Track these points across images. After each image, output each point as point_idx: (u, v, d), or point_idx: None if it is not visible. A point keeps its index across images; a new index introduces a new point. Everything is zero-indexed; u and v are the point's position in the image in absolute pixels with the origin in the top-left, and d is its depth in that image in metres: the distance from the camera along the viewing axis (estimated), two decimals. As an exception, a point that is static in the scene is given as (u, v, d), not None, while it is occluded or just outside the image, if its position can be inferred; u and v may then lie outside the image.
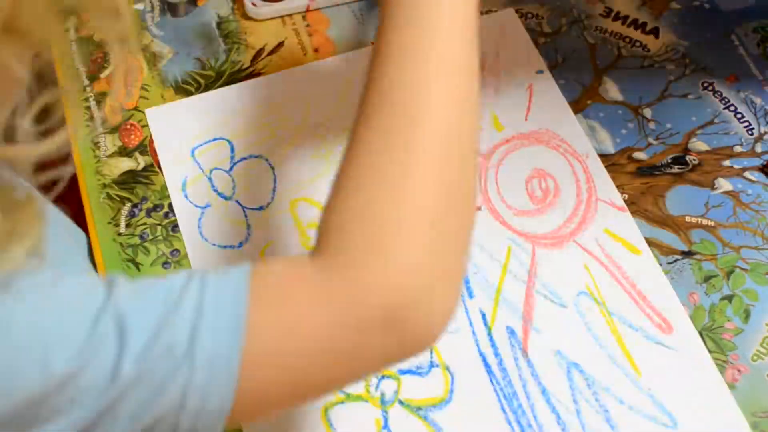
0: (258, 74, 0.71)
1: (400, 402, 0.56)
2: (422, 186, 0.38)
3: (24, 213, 0.37)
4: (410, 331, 0.37)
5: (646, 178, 0.65)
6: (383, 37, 0.42)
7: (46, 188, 0.39)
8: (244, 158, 0.66)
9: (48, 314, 0.35)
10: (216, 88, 0.70)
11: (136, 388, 0.35)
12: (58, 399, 0.35)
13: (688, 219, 0.63)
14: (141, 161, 0.67)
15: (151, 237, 0.63)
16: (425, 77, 0.40)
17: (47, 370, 0.34)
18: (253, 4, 0.74)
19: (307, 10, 0.75)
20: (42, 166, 0.38)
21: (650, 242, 0.62)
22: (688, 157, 0.66)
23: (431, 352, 0.58)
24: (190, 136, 0.68)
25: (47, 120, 0.37)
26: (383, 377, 0.57)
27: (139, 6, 0.75)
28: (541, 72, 0.70)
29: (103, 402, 0.35)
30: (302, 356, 0.37)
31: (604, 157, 0.66)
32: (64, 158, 0.38)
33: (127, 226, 0.64)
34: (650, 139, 0.67)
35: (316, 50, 0.72)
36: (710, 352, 0.57)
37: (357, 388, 0.56)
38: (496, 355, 0.57)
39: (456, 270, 0.39)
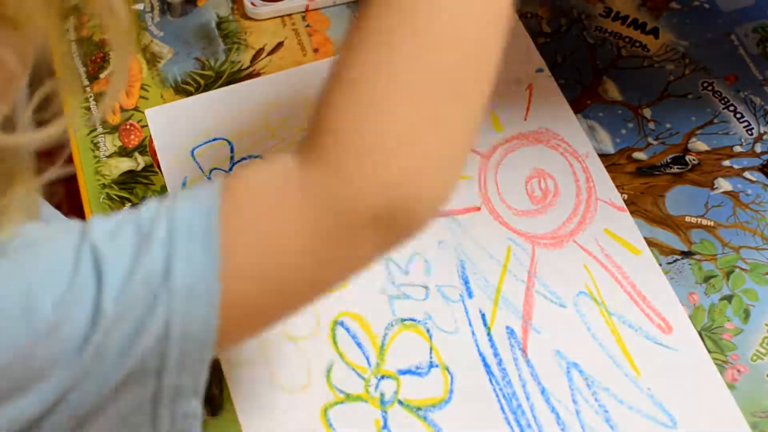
0: (258, 74, 0.71)
1: (400, 402, 0.56)
2: (413, 70, 0.35)
3: (16, 193, 0.37)
4: (401, 225, 0.36)
5: (646, 178, 0.65)
6: None
7: (46, 188, 0.39)
8: (244, 158, 0.66)
9: (29, 264, 0.35)
10: (216, 89, 0.70)
11: (119, 325, 0.35)
12: (46, 350, 0.34)
13: (687, 219, 0.63)
14: (141, 161, 0.67)
15: (150, 237, 0.63)
16: None
17: (33, 320, 0.34)
18: (253, 4, 0.74)
19: (307, 10, 0.75)
20: (42, 166, 0.38)
21: (650, 242, 0.62)
22: (687, 157, 0.66)
23: (431, 353, 0.58)
24: (190, 137, 0.68)
25: (46, 112, 0.37)
26: (382, 378, 0.57)
27: (139, 6, 0.75)
28: (541, 71, 0.70)
29: (88, 349, 0.34)
30: (287, 269, 0.36)
31: (603, 157, 0.66)
32: (63, 149, 0.38)
33: (127, 226, 0.64)
34: (650, 139, 0.67)
35: (315, 50, 0.72)
36: (710, 352, 0.57)
37: (356, 389, 0.56)
38: (496, 355, 0.57)
39: (453, 157, 0.37)
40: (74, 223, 0.37)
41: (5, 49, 0.34)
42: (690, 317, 0.59)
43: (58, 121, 0.36)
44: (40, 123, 0.37)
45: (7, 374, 0.35)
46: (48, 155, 0.39)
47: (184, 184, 0.65)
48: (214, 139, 0.67)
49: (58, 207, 0.52)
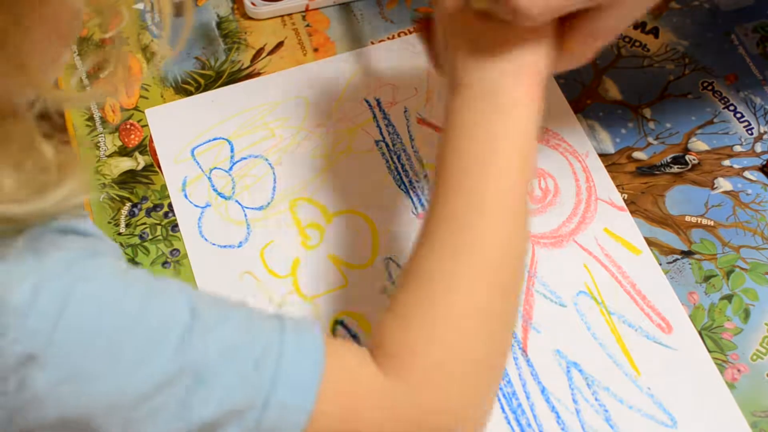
0: (258, 74, 0.71)
1: (400, 401, 0.56)
2: (472, 324, 0.42)
3: (69, 152, 0.38)
4: None
5: (646, 178, 0.65)
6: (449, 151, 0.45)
7: None
8: (244, 158, 0.66)
9: (132, 329, 0.36)
10: (216, 88, 0.70)
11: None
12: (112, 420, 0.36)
13: (687, 218, 0.63)
14: (141, 161, 0.67)
15: (150, 237, 0.63)
16: (480, 214, 0.43)
17: (115, 387, 0.36)
18: (253, 4, 0.74)
19: (307, 10, 0.75)
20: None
21: (650, 242, 0.62)
22: (687, 157, 0.66)
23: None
24: (189, 136, 0.68)
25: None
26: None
27: (139, 6, 0.75)
28: (540, 72, 0.70)
29: None
30: None
31: (603, 156, 0.66)
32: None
33: (127, 225, 0.64)
34: (650, 139, 0.67)
35: (316, 50, 0.72)
36: (710, 351, 0.57)
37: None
38: (496, 354, 0.57)
39: (492, 397, 0.45)
40: (181, 298, 0.39)
41: None
42: (690, 317, 0.59)
43: (102, 86, 0.39)
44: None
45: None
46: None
47: (183, 184, 0.65)
48: (214, 139, 0.67)
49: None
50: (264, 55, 0.72)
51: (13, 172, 0.35)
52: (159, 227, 0.64)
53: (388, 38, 0.73)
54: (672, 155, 0.66)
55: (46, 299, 0.34)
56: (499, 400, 0.56)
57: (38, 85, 0.36)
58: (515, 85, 0.43)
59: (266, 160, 0.66)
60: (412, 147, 0.66)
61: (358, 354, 0.42)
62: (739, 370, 0.57)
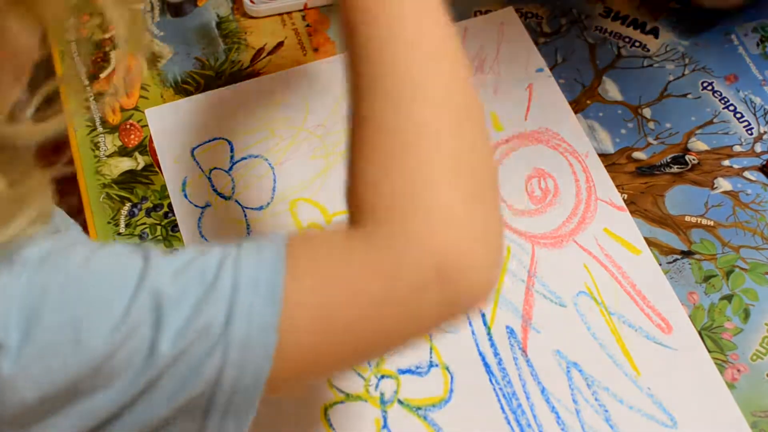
0: (258, 74, 0.71)
1: (400, 402, 0.56)
2: (437, 144, 0.38)
3: (30, 183, 0.38)
4: (464, 284, 0.37)
5: (646, 178, 0.65)
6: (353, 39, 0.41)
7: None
8: (244, 158, 0.66)
9: (82, 290, 0.35)
10: (216, 88, 0.70)
11: (173, 368, 0.35)
12: (94, 379, 0.35)
13: (687, 219, 0.63)
14: (141, 161, 0.67)
15: (150, 237, 0.63)
16: (408, 60, 0.40)
17: (82, 352, 0.35)
18: (252, 2, 0.74)
19: (305, 8, 0.75)
20: (49, 161, 0.39)
21: (650, 242, 0.62)
22: (687, 157, 0.66)
23: (431, 352, 0.58)
24: (189, 136, 0.68)
25: (46, 112, 0.37)
26: (383, 377, 0.57)
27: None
28: (541, 71, 0.70)
29: (140, 382, 0.35)
30: (347, 329, 0.37)
31: (603, 156, 0.66)
32: (65, 147, 0.38)
33: (127, 225, 0.64)
34: (650, 139, 0.67)
35: (315, 50, 0.72)
36: (710, 351, 0.57)
37: (356, 388, 0.56)
38: (496, 354, 0.58)
39: (494, 221, 0.39)
40: (133, 252, 0.38)
41: (21, 27, 0.34)
42: (690, 317, 0.59)
43: (58, 118, 0.37)
44: (39, 121, 0.37)
45: (57, 399, 0.35)
46: (53, 152, 0.39)
47: (183, 184, 0.65)
48: (214, 139, 0.67)
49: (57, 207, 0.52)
50: (264, 55, 0.72)
51: None
52: (159, 227, 0.64)
53: (388, 38, 0.73)
54: (672, 155, 0.66)
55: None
56: (499, 400, 0.56)
57: None
58: None
59: (266, 160, 0.66)
60: (412, 147, 0.66)
61: (330, 235, 0.39)
62: (738, 370, 0.57)
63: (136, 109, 0.70)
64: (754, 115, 0.68)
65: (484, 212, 0.39)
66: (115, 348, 0.35)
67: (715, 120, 0.67)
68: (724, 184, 0.64)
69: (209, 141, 0.67)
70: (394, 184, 0.38)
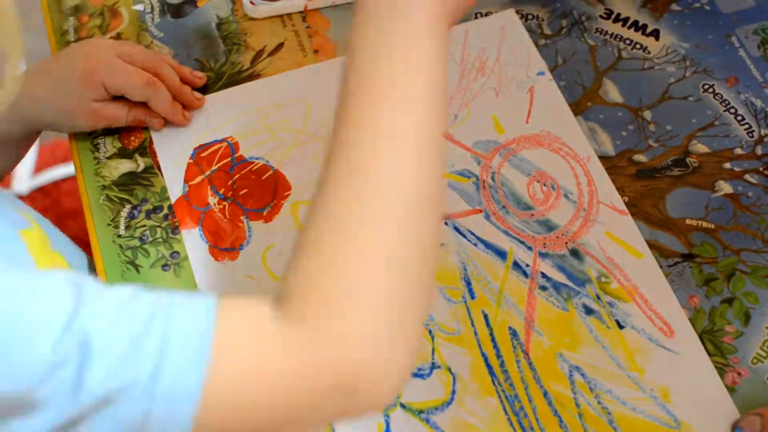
0: (258, 76, 0.71)
1: (402, 405, 0.56)
2: (377, 262, 0.40)
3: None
4: (367, 397, 0.39)
5: (647, 181, 0.65)
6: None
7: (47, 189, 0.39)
8: (245, 160, 0.66)
9: (10, 322, 0.36)
10: (216, 90, 0.70)
11: (100, 406, 0.36)
12: (12, 413, 0.36)
13: (688, 221, 0.63)
14: (141, 163, 0.67)
15: (150, 239, 0.63)
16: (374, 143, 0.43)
17: (7, 383, 0.35)
18: (251, 3, 0.73)
19: (306, 10, 0.74)
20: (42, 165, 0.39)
21: (650, 245, 0.62)
22: (688, 160, 0.66)
23: (433, 354, 0.58)
24: (190, 138, 0.67)
25: None
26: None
27: (139, 7, 0.75)
28: (541, 74, 0.70)
29: (63, 417, 0.36)
30: (257, 406, 0.39)
31: (604, 159, 0.66)
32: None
33: (127, 227, 0.64)
34: (650, 142, 0.67)
35: (316, 52, 0.72)
36: (710, 355, 0.57)
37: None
38: (498, 356, 0.58)
39: (409, 342, 0.41)
40: (64, 284, 0.38)
41: None
42: (690, 320, 0.59)
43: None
44: None
45: None
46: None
47: (184, 186, 0.65)
48: (215, 141, 0.67)
49: (57, 207, 0.51)
50: (264, 56, 0.72)
51: None
52: (159, 229, 0.64)
53: (389, 40, 0.73)
54: (672, 158, 0.66)
55: None
56: (502, 402, 0.56)
57: None
58: (419, 12, 0.43)
59: (267, 162, 0.66)
60: (413, 149, 0.66)
61: (259, 305, 0.40)
62: (739, 374, 0.57)
63: (136, 110, 0.69)
64: (755, 117, 0.68)
65: (408, 330, 0.40)
66: (38, 383, 0.35)
67: (715, 122, 0.67)
68: (724, 186, 0.64)
69: (210, 143, 0.67)
70: (329, 285, 0.39)
